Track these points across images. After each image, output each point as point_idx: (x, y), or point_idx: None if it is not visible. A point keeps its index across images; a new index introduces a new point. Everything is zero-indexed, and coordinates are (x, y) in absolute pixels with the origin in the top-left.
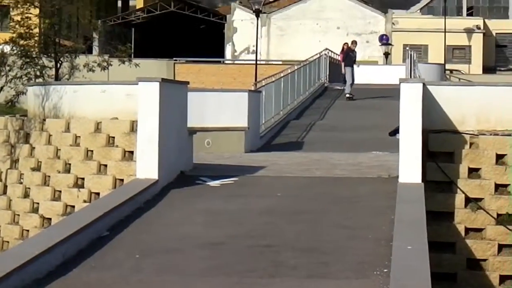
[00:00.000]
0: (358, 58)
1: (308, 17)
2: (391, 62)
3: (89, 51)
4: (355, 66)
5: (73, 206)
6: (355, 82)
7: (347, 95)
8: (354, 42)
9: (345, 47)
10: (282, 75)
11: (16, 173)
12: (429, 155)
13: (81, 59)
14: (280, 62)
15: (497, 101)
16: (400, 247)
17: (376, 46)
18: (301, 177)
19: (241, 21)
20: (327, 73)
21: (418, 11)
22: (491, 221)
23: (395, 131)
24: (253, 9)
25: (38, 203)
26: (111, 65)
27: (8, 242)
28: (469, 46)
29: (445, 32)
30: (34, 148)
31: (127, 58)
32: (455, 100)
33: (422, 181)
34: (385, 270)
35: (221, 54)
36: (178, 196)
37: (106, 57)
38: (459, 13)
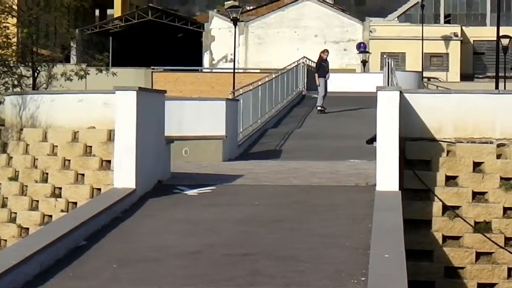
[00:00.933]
0: (335, 66)
1: (286, 25)
2: (369, 70)
3: (67, 60)
4: (327, 76)
5: (51, 216)
6: (328, 91)
7: (319, 108)
8: (326, 51)
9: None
10: (260, 83)
11: None
12: (406, 163)
13: (58, 68)
14: (258, 71)
15: (474, 109)
16: (378, 255)
17: (353, 54)
18: (279, 186)
19: (219, 30)
20: (305, 81)
21: (396, 19)
22: (469, 229)
23: (373, 139)
24: (231, 17)
25: (15, 213)
26: (88, 74)
27: None
28: (447, 54)
29: (422, 39)
30: (11, 157)
31: (104, 67)
32: (432, 108)
33: (400, 189)
34: (363, 279)
35: (199, 63)
36: (155, 206)
37: (83, 65)
38: (436, 20)
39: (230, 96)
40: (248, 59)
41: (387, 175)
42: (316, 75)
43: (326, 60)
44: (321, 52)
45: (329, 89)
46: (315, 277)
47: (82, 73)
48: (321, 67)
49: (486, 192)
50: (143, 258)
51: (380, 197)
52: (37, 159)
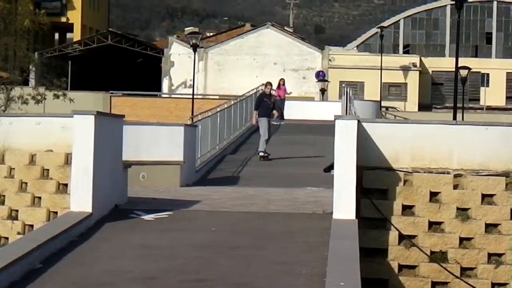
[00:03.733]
0: (294, 94)
1: (245, 52)
2: (328, 99)
3: (26, 83)
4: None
5: (7, 238)
6: (287, 119)
7: (261, 154)
8: (269, 84)
9: (281, 82)
10: (218, 109)
11: None
12: (363, 191)
13: (16, 91)
14: (217, 97)
15: (431, 139)
16: (333, 283)
17: (312, 82)
18: (236, 212)
19: (178, 55)
20: None
21: (355, 48)
22: (425, 258)
23: (330, 167)
24: (191, 43)
25: None
26: (45, 98)
27: None
28: (405, 84)
29: (381, 69)
30: None
31: (61, 92)
32: (389, 137)
33: (356, 217)
34: None
35: (158, 88)
36: (111, 230)
37: (41, 89)
38: (395, 50)
39: (189, 122)
40: (207, 85)
41: (344, 204)
42: (254, 113)
43: (270, 94)
44: (280, 79)
45: (289, 116)
46: None
47: (39, 97)
48: (262, 104)
49: (442, 222)
50: (98, 282)
51: (337, 225)
52: None
